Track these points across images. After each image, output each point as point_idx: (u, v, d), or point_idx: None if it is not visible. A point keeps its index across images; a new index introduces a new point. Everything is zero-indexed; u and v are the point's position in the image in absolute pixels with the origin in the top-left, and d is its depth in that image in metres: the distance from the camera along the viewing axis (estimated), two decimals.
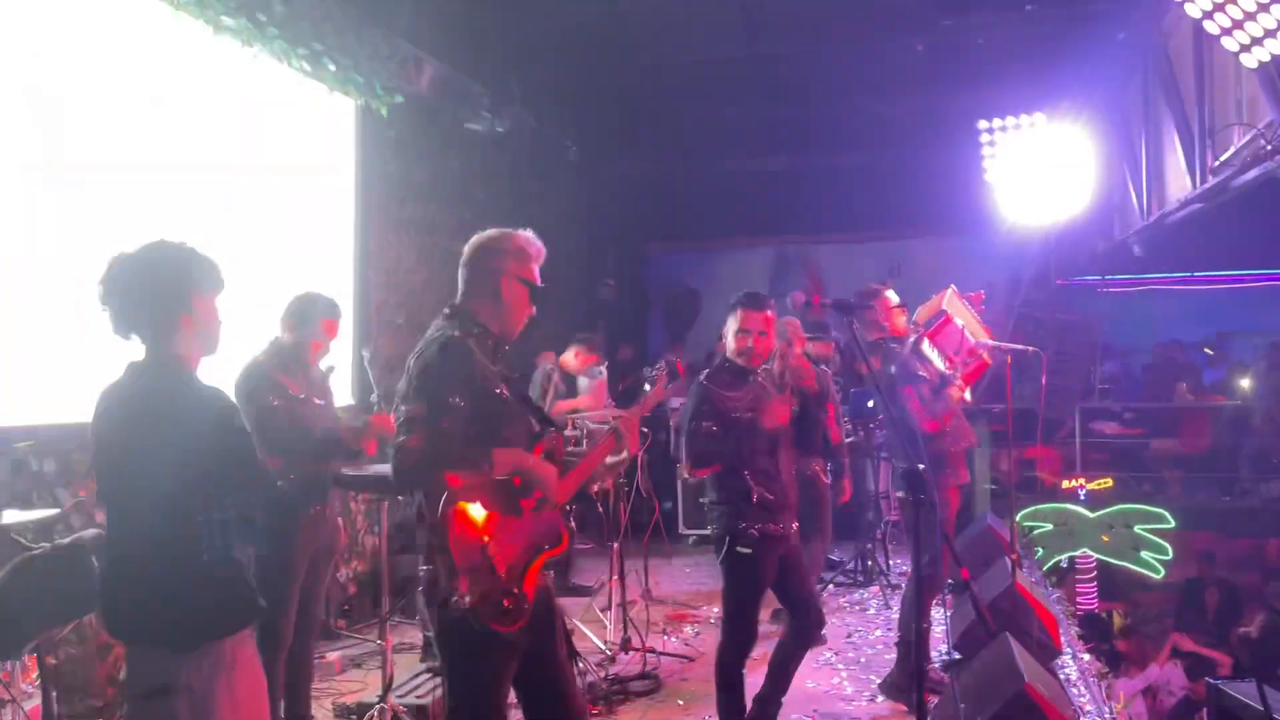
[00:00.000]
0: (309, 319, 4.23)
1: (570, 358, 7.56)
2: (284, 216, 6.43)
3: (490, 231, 3.04)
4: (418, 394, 2.73)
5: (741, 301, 4.18)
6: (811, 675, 5.63)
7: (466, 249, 3.02)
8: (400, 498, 5.07)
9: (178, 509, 2.42)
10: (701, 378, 4.28)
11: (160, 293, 2.51)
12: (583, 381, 7.75)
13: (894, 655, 5.57)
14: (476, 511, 2.71)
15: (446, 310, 2.98)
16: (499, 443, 2.78)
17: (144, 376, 2.52)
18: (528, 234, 3.05)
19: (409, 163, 7.94)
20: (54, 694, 3.54)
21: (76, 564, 3.22)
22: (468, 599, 2.65)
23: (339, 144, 7.12)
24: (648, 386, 3.54)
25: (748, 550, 4.13)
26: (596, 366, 7.61)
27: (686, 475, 4.32)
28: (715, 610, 7.15)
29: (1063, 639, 5.88)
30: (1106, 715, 5.05)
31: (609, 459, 3.15)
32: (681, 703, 5.29)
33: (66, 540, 3.45)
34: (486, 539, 2.71)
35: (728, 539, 4.18)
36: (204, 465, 2.42)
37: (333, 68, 6.59)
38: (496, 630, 2.70)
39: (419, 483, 2.75)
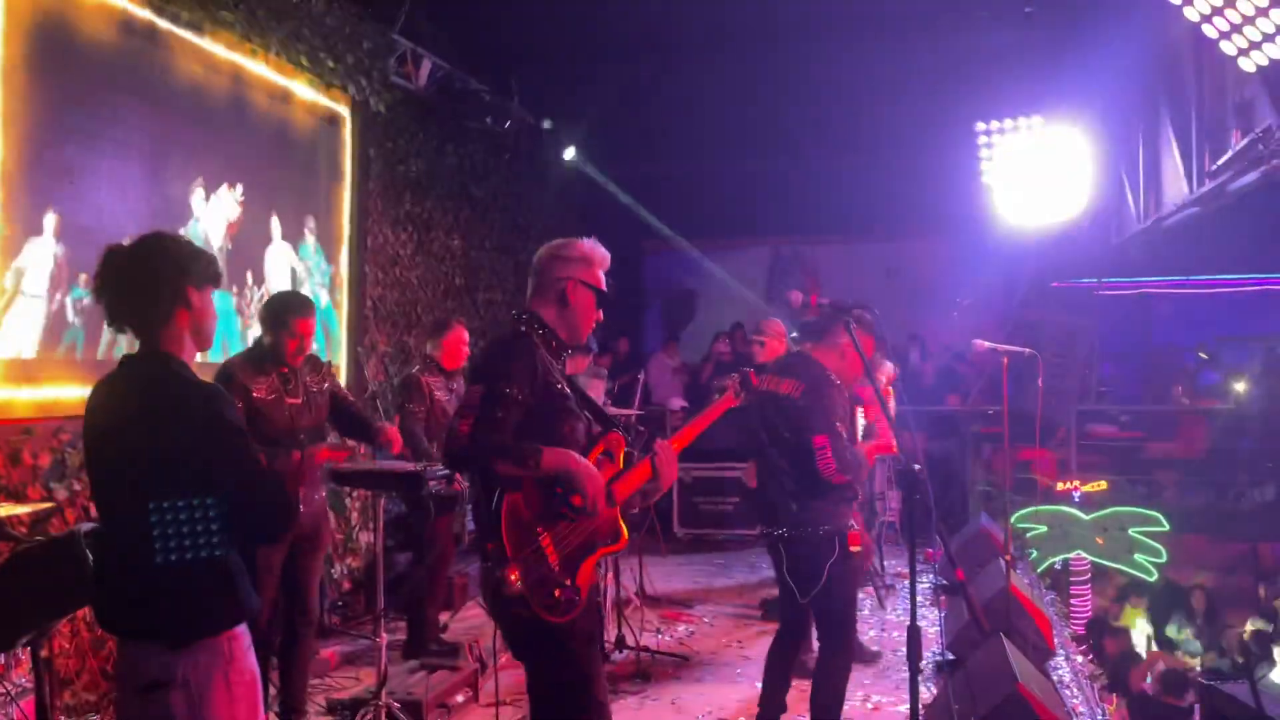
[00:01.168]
0: (281, 320, 4.28)
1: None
2: (285, 212, 6.43)
3: (557, 240, 3.12)
4: (476, 381, 2.82)
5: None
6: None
7: (536, 257, 3.09)
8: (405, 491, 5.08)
9: (171, 503, 2.39)
10: (835, 382, 4.23)
11: (155, 285, 2.48)
12: (582, 380, 7.74)
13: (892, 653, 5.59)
14: (530, 502, 2.75)
15: (515, 312, 3.07)
16: (556, 439, 2.83)
17: (137, 370, 2.50)
18: (592, 241, 3.11)
19: (406, 159, 7.93)
20: (48, 687, 3.53)
21: (71, 557, 3.20)
22: (519, 586, 2.68)
23: (336, 139, 7.11)
24: (717, 395, 3.51)
25: (858, 550, 4.09)
26: (597, 367, 7.60)
27: (829, 479, 4.10)
28: (710, 609, 7.18)
29: (1056, 640, 5.90)
30: (1099, 717, 5.05)
31: (644, 487, 3.10)
32: (674, 703, 5.29)
33: (61, 534, 3.45)
34: (540, 530, 2.75)
35: (837, 539, 4.09)
36: (198, 460, 2.41)
37: (331, 63, 6.59)
38: (546, 619, 2.72)
39: (464, 467, 2.85)
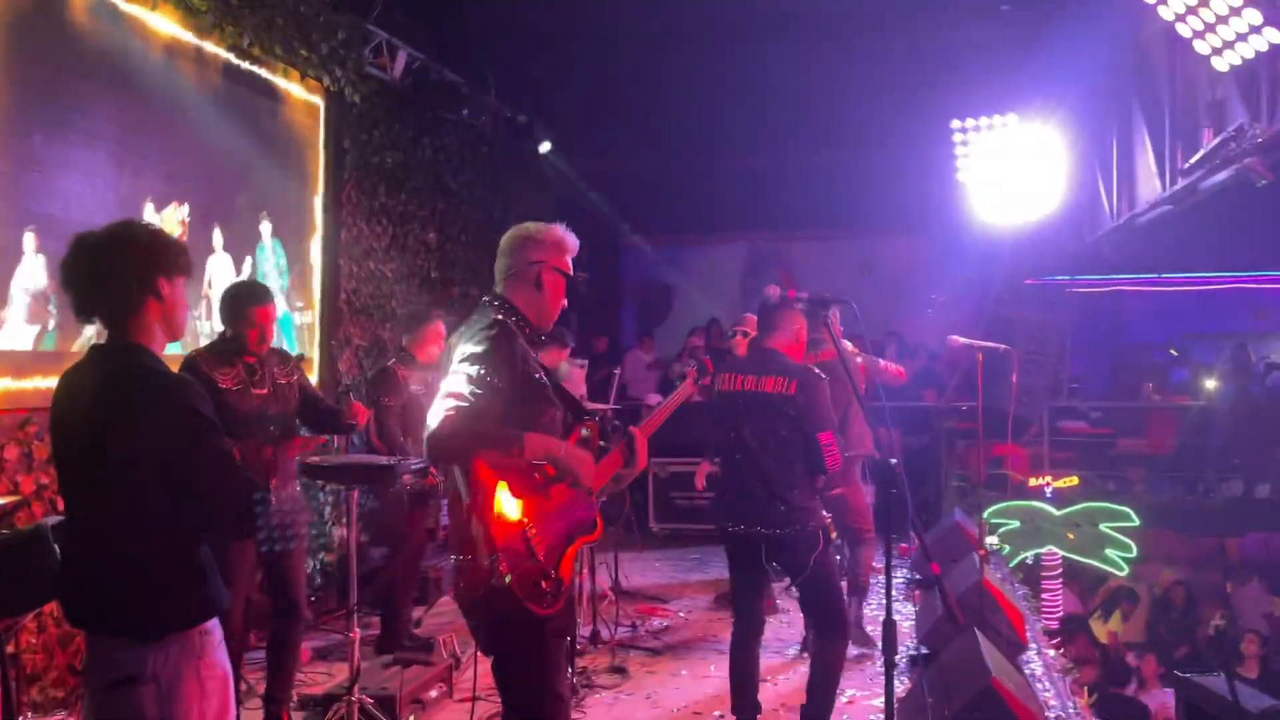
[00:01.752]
0: (239, 311, 4.25)
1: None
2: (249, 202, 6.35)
3: (528, 224, 3.10)
4: (458, 371, 2.77)
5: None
6: (796, 668, 5.66)
7: (504, 240, 3.07)
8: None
9: (141, 496, 2.36)
10: (820, 375, 4.32)
11: (125, 274, 2.43)
12: (563, 368, 7.70)
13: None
14: (515, 493, 2.75)
15: (486, 297, 3.04)
16: (536, 427, 2.83)
17: (107, 360, 2.45)
18: (563, 227, 3.12)
19: (381, 151, 7.86)
20: (14, 684, 3.48)
21: (38, 551, 3.16)
22: (507, 579, 2.66)
23: (310, 130, 7.04)
24: (677, 383, 3.53)
25: (835, 537, 4.24)
26: (575, 359, 7.56)
27: (832, 473, 4.36)
28: (685, 604, 7.18)
29: (1028, 634, 5.93)
30: (1071, 710, 5.09)
31: (620, 472, 3.13)
32: (649, 697, 5.28)
33: (28, 527, 3.40)
34: (527, 521, 2.75)
35: (822, 533, 4.24)
36: (169, 452, 2.36)
37: (305, 52, 6.52)
38: (534, 611, 2.71)
39: (450, 457, 2.79)
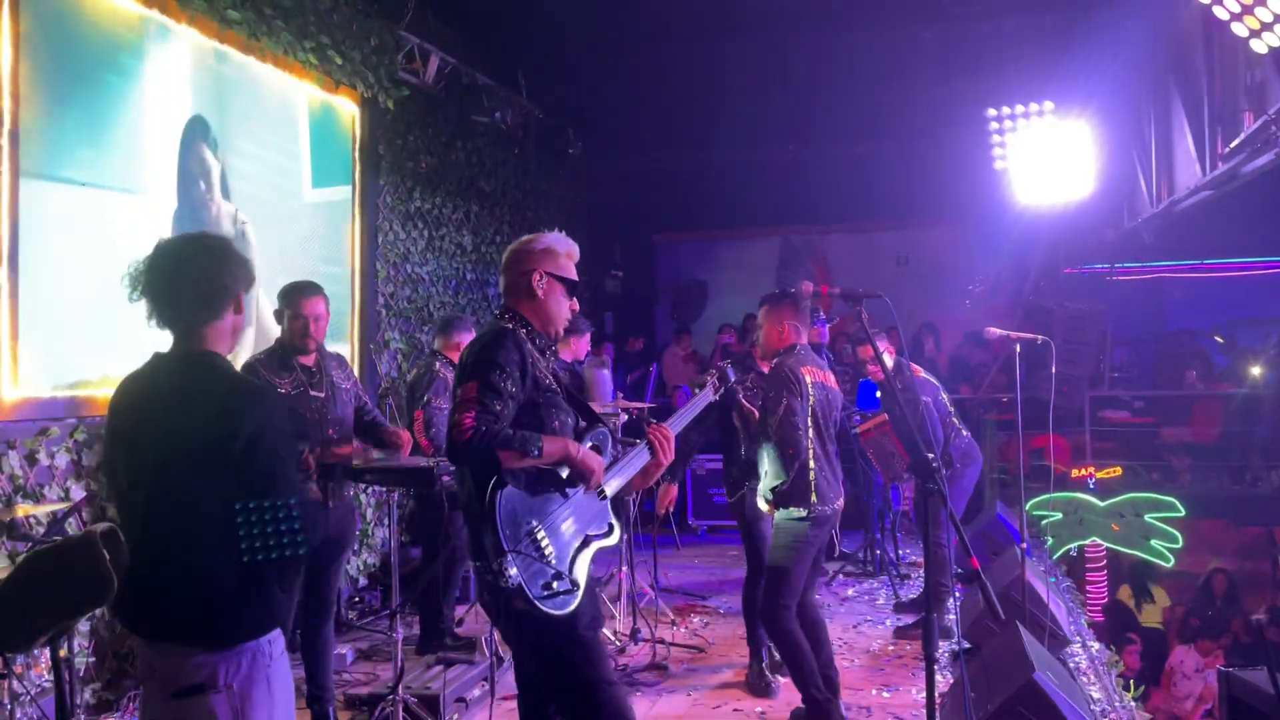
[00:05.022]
0: (288, 303, 4.33)
1: (570, 347, 7.52)
2: (291, 211, 6.44)
3: (523, 237, 3.17)
4: (471, 376, 2.84)
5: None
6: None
7: (504, 255, 3.16)
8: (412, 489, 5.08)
9: (216, 504, 2.32)
10: None
11: (213, 283, 2.45)
12: (587, 372, 7.72)
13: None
14: (525, 494, 2.80)
15: (497, 311, 3.13)
16: (546, 432, 2.88)
17: (189, 368, 2.45)
18: (557, 233, 3.17)
19: (415, 155, 7.94)
20: (67, 687, 3.55)
21: (88, 557, 3.22)
22: (516, 581, 2.70)
23: (345, 136, 7.11)
24: (698, 390, 3.55)
25: None
26: (599, 358, 7.58)
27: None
28: (724, 600, 7.18)
29: (1072, 628, 5.88)
30: (1117, 704, 5.04)
31: (644, 466, 3.16)
32: (690, 694, 5.30)
33: (79, 534, 3.46)
34: (535, 522, 2.79)
35: None
36: (250, 462, 2.33)
37: (339, 60, 6.59)
38: (548, 613, 2.75)
39: (469, 460, 2.84)
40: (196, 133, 5.58)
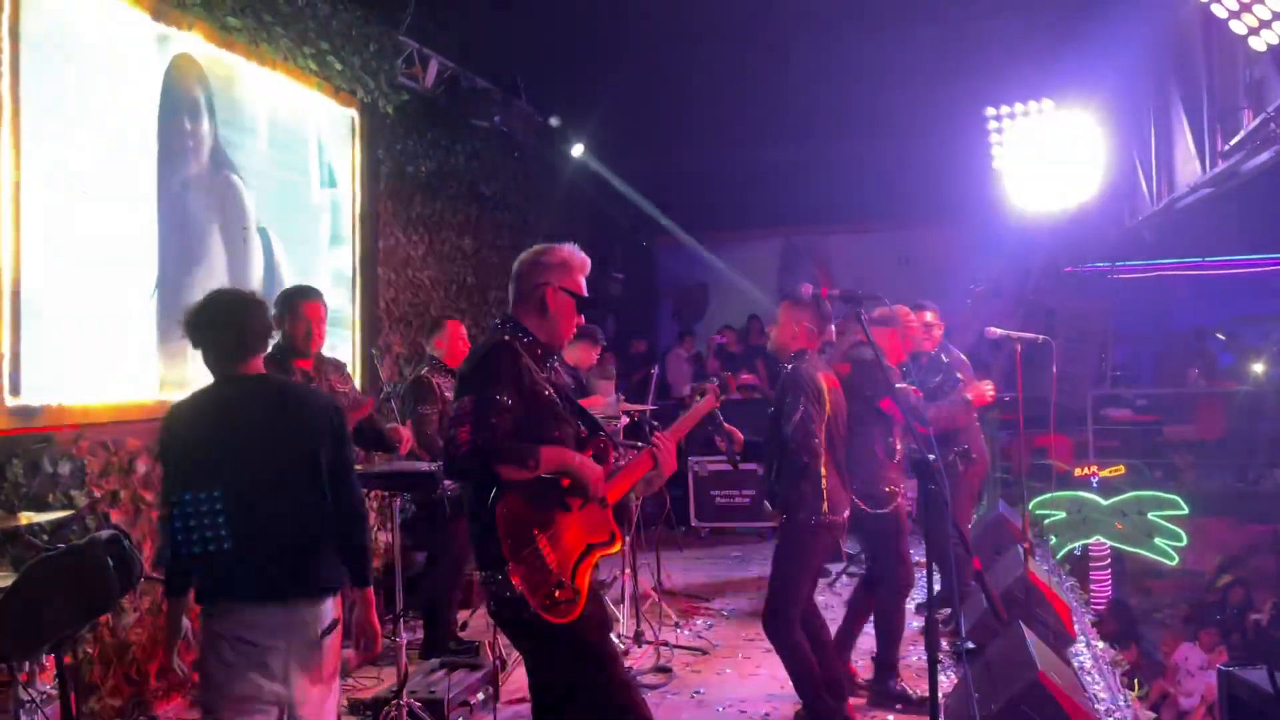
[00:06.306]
0: (288, 306, 4.39)
1: (577, 354, 7.53)
2: (291, 217, 6.45)
3: (536, 246, 3.16)
4: (468, 390, 2.87)
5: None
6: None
7: (515, 265, 3.15)
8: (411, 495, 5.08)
9: (318, 489, 3.02)
10: None
11: (263, 329, 3.15)
12: (590, 381, 7.72)
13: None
14: (526, 505, 2.80)
15: (498, 320, 3.14)
16: (548, 443, 2.88)
17: (267, 384, 3.16)
18: (571, 246, 3.16)
19: (415, 160, 7.94)
20: (73, 694, 3.56)
21: (92, 564, 3.23)
22: (519, 590, 2.72)
23: (345, 142, 7.13)
24: (699, 398, 3.55)
25: None
26: (605, 367, 7.59)
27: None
28: (727, 602, 7.18)
29: (1076, 627, 5.88)
30: (1121, 703, 5.04)
31: (647, 475, 3.19)
32: (695, 696, 5.30)
33: (82, 541, 3.47)
34: (536, 532, 2.80)
35: None
36: (334, 451, 3.09)
37: (338, 66, 6.60)
38: (550, 621, 2.76)
39: (468, 473, 2.87)
40: (197, 133, 5.60)
